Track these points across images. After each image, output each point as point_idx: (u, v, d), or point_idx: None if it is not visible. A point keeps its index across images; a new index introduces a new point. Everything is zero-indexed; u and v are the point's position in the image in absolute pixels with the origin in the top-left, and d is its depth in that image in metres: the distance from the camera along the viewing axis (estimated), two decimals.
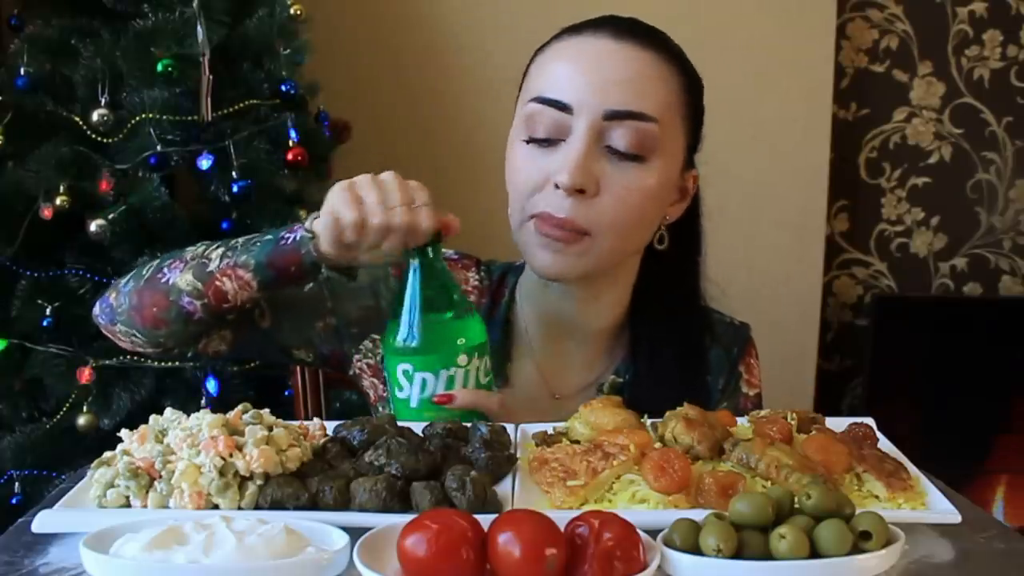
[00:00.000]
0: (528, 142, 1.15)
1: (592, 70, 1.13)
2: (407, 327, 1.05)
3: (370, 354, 1.24)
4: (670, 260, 1.25)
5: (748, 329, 1.33)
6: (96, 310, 1.18)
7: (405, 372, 1.05)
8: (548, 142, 1.14)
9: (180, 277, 1.10)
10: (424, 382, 1.04)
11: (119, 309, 1.14)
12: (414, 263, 1.06)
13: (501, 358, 1.25)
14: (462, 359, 1.05)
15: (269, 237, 1.09)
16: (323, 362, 1.26)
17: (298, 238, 1.06)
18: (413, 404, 1.06)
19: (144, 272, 1.14)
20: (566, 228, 1.12)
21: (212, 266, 1.09)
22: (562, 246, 1.13)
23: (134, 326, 1.14)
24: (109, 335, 1.19)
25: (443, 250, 1.31)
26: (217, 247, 1.11)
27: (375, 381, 1.24)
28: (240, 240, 1.11)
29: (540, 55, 1.19)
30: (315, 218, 1.07)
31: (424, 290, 1.05)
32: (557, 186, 1.12)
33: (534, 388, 1.26)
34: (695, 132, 1.22)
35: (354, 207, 1.02)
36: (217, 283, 1.08)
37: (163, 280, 1.11)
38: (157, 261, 1.14)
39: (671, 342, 1.26)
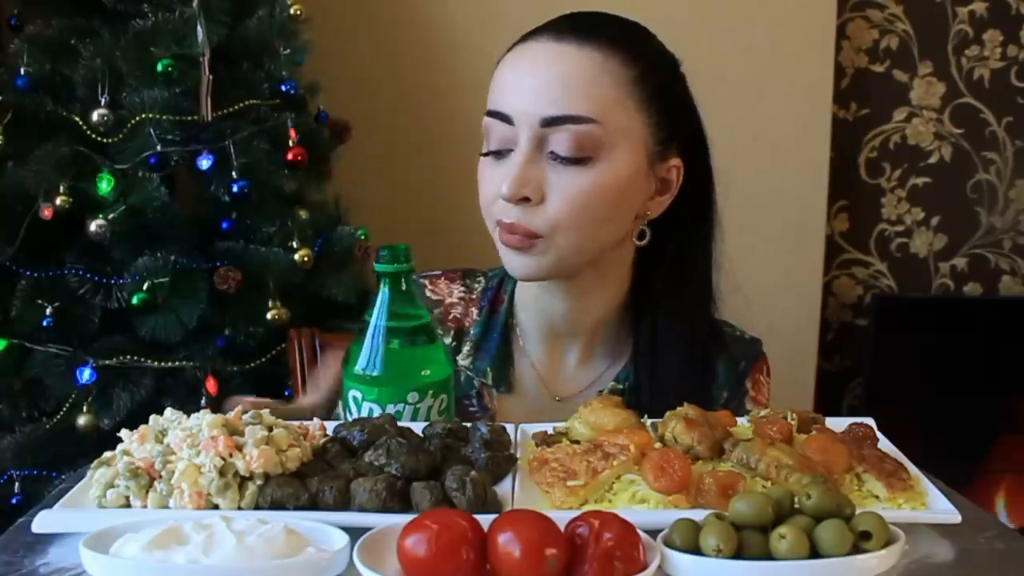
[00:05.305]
0: (486, 155, 1.17)
1: (528, 78, 1.13)
2: (365, 355, 1.03)
3: None
4: (668, 258, 1.22)
5: (760, 345, 1.30)
6: None
7: (354, 398, 1.03)
8: (500, 154, 1.15)
9: None
10: (371, 412, 1.02)
11: None
12: (384, 290, 1.03)
13: (504, 363, 1.26)
14: (412, 396, 1.02)
15: None
16: None
17: None
18: None
19: None
20: (518, 232, 1.13)
21: None
22: (522, 250, 1.14)
23: None
24: None
25: (430, 271, 1.31)
26: None
27: None
28: None
29: (497, 66, 1.18)
30: None
31: (390, 319, 1.03)
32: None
33: (536, 391, 1.26)
34: (667, 119, 1.16)
35: None
36: None
37: None
38: None
39: (673, 353, 1.23)
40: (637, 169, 1.15)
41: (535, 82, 1.12)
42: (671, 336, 1.23)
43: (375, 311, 1.03)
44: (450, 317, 1.30)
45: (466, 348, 1.28)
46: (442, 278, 1.33)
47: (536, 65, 1.13)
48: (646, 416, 0.98)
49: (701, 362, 1.25)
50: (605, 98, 1.11)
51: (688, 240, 1.24)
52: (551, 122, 1.11)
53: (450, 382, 1.06)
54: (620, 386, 1.25)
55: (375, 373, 1.02)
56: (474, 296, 1.30)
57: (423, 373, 1.03)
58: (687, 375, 1.23)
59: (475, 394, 1.26)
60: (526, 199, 1.12)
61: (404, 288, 1.04)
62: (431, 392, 1.03)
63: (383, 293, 1.03)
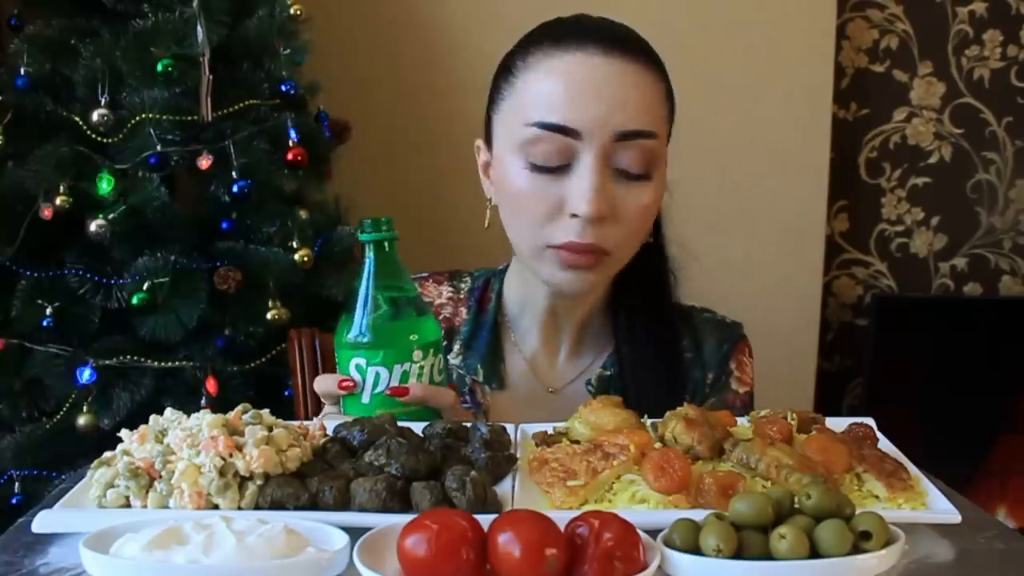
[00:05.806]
0: (532, 169, 1.12)
1: (594, 92, 1.10)
2: (361, 322, 1.06)
3: None
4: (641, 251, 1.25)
5: (741, 328, 1.34)
6: None
7: (358, 366, 1.05)
8: (558, 169, 1.11)
9: None
10: (377, 376, 1.04)
11: None
12: (369, 256, 1.07)
13: (494, 360, 1.28)
14: (416, 354, 1.05)
15: None
16: None
17: None
18: (365, 399, 1.05)
19: None
20: (593, 252, 1.12)
21: None
22: (585, 268, 1.14)
23: None
24: None
25: (417, 274, 1.33)
26: None
27: None
28: None
29: (523, 70, 1.14)
30: None
31: (379, 285, 1.06)
32: (574, 214, 1.10)
33: (528, 385, 1.28)
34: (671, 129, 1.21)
35: None
36: None
37: None
38: None
39: (648, 335, 1.26)
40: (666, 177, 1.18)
41: (605, 97, 1.10)
42: (645, 327, 1.27)
43: (364, 279, 1.07)
44: (440, 317, 1.32)
45: (456, 347, 1.30)
46: (430, 280, 1.35)
47: (599, 80, 1.10)
48: (646, 416, 0.98)
49: (673, 345, 1.28)
50: (660, 112, 1.14)
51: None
52: (625, 136, 1.10)
53: (442, 343, 1.10)
54: (608, 372, 1.28)
55: (377, 336, 1.05)
56: (461, 296, 1.33)
57: (420, 333, 1.06)
58: (663, 360, 1.26)
59: (468, 391, 1.28)
60: (601, 217, 1.11)
61: (389, 254, 1.07)
62: (431, 350, 1.06)
63: (370, 260, 1.07)
